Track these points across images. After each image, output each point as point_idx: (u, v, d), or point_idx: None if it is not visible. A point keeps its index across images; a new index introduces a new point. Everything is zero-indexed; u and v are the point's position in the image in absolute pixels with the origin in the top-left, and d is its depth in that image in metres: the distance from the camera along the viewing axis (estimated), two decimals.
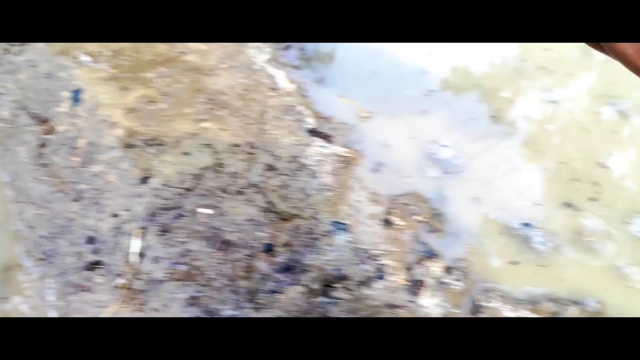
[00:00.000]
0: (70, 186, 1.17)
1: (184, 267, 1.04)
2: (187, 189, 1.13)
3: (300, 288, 1.02)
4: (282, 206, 1.09)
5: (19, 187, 1.20)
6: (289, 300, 1.01)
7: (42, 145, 1.22)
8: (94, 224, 1.12)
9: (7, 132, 1.24)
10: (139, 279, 1.05)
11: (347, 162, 1.13)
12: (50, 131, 1.22)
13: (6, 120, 1.25)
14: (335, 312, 0.95)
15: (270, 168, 1.13)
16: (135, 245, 1.09)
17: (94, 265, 1.09)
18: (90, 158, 1.20)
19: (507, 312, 0.92)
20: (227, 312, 0.99)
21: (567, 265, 0.98)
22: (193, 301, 1.01)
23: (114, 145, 1.18)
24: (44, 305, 1.07)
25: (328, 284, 1.00)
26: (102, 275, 1.07)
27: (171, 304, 1.01)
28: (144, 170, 1.17)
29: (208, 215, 1.09)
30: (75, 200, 1.16)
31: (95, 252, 1.10)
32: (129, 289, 1.05)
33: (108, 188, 1.15)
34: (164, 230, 1.09)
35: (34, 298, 1.08)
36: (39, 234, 1.14)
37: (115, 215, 1.13)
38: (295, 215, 1.08)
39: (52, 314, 1.04)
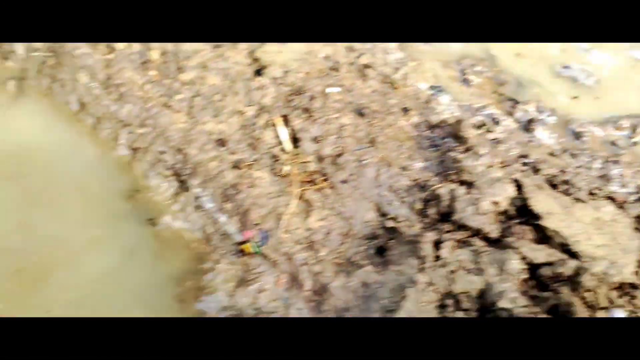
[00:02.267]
0: (164, 100, 1.17)
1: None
2: (308, 73, 1.14)
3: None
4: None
5: (96, 113, 1.19)
6: None
7: (107, 67, 1.20)
8: (216, 127, 1.12)
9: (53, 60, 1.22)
10: (306, 161, 1.07)
11: None
12: (111, 50, 1.20)
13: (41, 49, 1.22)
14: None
15: None
16: (283, 133, 1.10)
17: (242, 163, 1.09)
18: (167, 71, 1.18)
19: (597, 131, 1.07)
20: (417, 164, 1.05)
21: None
22: (381, 163, 1.05)
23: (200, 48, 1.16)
24: (205, 215, 1.08)
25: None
26: (259, 170, 1.08)
27: (359, 171, 1.05)
28: (254, 63, 1.17)
29: (337, 92, 1.11)
30: (178, 111, 1.15)
31: (233, 152, 1.10)
32: (308, 173, 1.07)
33: (215, 90, 1.14)
34: (306, 112, 1.10)
35: (185, 212, 1.09)
36: (157, 149, 1.14)
37: (241, 113, 1.13)
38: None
39: (223, 218, 1.05)
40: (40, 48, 1.16)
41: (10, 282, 0.91)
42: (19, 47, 1.17)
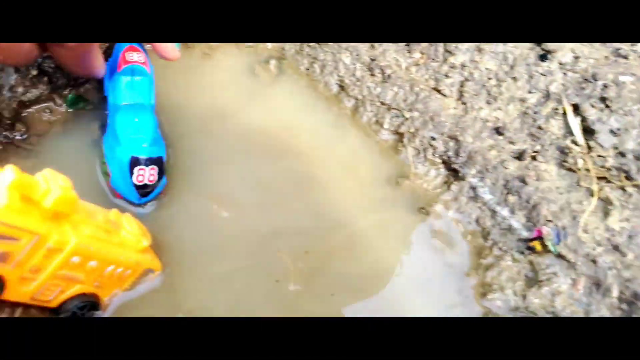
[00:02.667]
0: (432, 83, 1.11)
1: None
2: (597, 60, 1.05)
3: None
4: None
5: (358, 96, 1.15)
6: None
7: (371, 48, 1.17)
8: (492, 115, 1.05)
9: None
10: (602, 155, 0.97)
11: None
12: None
13: None
14: None
15: None
16: (574, 123, 1.00)
17: (525, 154, 1.01)
18: (435, 54, 1.13)
19: None
20: None
21: None
22: None
23: None
24: (481, 207, 1.01)
25: None
26: (544, 162, 1.00)
27: None
28: (537, 46, 1.08)
29: (631, 81, 1.00)
30: (448, 96, 1.09)
31: (513, 142, 1.03)
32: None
33: (489, 75, 1.08)
34: (602, 102, 1.00)
35: (459, 202, 1.03)
36: (426, 135, 1.08)
37: (521, 100, 1.05)
38: None
39: (504, 212, 0.98)
40: None
41: (302, 263, 0.89)
42: None
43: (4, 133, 0.96)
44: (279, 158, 1.08)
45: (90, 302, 0.79)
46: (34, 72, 0.99)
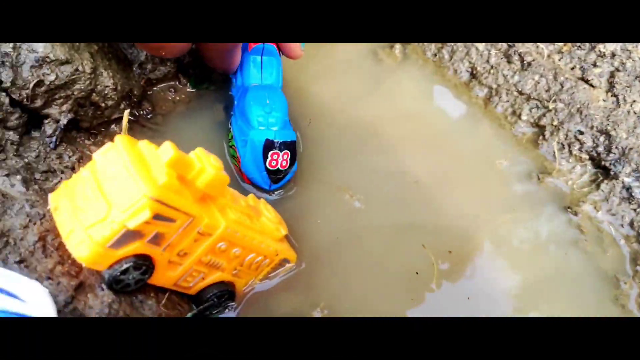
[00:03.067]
0: (578, 73, 1.02)
1: None
2: None
3: None
4: None
5: (492, 85, 1.05)
6: None
7: None
8: None
9: None
10: None
11: None
12: None
13: None
14: None
15: None
16: None
17: None
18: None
19: None
20: None
21: None
22: None
23: None
24: (637, 209, 0.91)
25: None
26: None
27: None
28: None
29: None
30: (597, 87, 0.99)
31: None
32: None
33: None
34: None
35: (610, 203, 0.93)
36: (572, 129, 0.99)
37: None
38: None
39: None
40: None
41: (445, 261, 0.81)
42: None
43: (132, 111, 0.93)
44: (407, 148, 1.01)
45: (228, 291, 0.74)
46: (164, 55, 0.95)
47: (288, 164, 0.83)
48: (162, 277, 0.65)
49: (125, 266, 0.59)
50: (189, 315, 0.70)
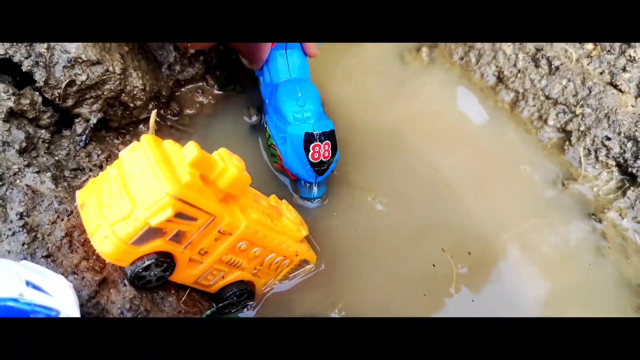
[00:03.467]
0: (607, 78, 1.00)
1: None
2: None
3: None
4: None
5: (519, 89, 1.06)
6: None
7: None
8: None
9: None
10: None
11: None
12: None
13: None
14: None
15: None
16: None
17: None
18: (611, 46, 1.02)
19: None
20: None
21: None
22: None
23: None
24: None
25: None
26: None
27: None
28: None
29: None
30: (626, 92, 0.98)
31: None
32: None
33: None
34: None
35: (636, 210, 0.91)
36: (600, 134, 0.97)
37: None
38: None
39: None
40: None
41: (463, 263, 0.81)
42: None
43: (160, 112, 0.95)
44: (432, 151, 1.01)
45: (248, 290, 0.76)
46: (192, 51, 0.97)
47: (330, 153, 0.82)
48: (183, 274, 0.67)
49: (147, 263, 0.61)
50: (208, 312, 0.71)
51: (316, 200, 0.90)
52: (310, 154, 0.80)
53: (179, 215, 0.59)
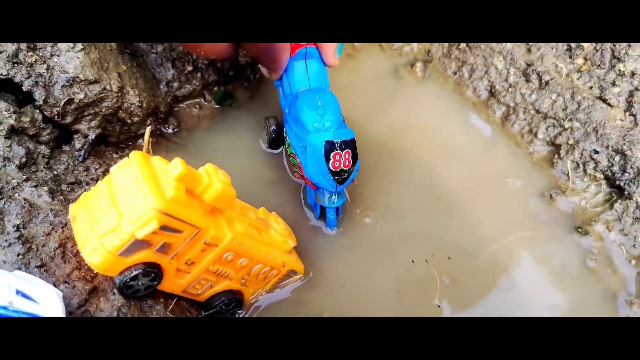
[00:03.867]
0: (596, 92, 1.01)
1: None
2: None
3: None
4: None
5: (510, 103, 1.07)
6: None
7: (527, 52, 1.09)
8: None
9: None
10: None
11: None
12: None
13: None
14: None
15: None
16: None
17: None
18: (600, 60, 1.03)
19: None
20: None
21: None
22: None
23: None
24: None
25: None
26: None
27: None
28: None
29: None
30: (614, 106, 0.99)
31: None
32: None
33: None
34: None
35: (622, 223, 0.92)
36: (588, 148, 0.99)
37: None
38: None
39: None
40: None
41: (469, 281, 0.84)
42: None
43: (158, 127, 0.99)
44: (424, 164, 1.03)
45: (236, 299, 0.79)
46: (189, 68, 1.01)
47: (351, 162, 0.80)
48: (171, 284, 0.70)
49: (134, 273, 0.64)
50: None
51: (334, 228, 0.92)
52: (330, 162, 0.78)
53: (164, 227, 0.62)
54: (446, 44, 1.16)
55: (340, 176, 0.81)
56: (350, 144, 0.80)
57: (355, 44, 1.20)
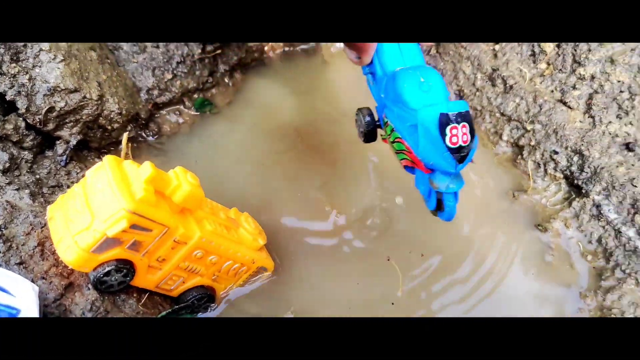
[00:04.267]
0: (557, 95, 1.06)
1: None
2: None
3: None
4: None
5: (478, 107, 1.13)
6: None
7: (493, 58, 1.13)
8: (623, 130, 0.99)
9: None
10: None
11: None
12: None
13: None
14: None
15: None
16: None
17: None
18: (562, 65, 1.08)
19: None
20: None
21: None
22: None
23: None
24: (605, 226, 0.95)
25: None
26: None
27: None
28: None
29: None
30: (574, 108, 1.03)
31: None
32: None
33: (622, 88, 1.01)
34: None
35: (580, 220, 0.97)
36: (548, 149, 1.03)
37: None
38: None
39: (630, 232, 0.91)
40: None
41: (414, 268, 0.88)
42: None
43: (139, 132, 1.04)
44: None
45: (208, 294, 0.83)
46: (169, 76, 1.06)
47: (469, 137, 0.68)
48: (144, 280, 0.75)
49: (107, 269, 0.69)
50: (164, 313, 0.79)
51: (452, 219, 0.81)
52: (447, 138, 0.67)
53: (134, 226, 0.67)
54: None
55: (459, 153, 0.68)
56: (466, 117, 0.66)
57: (331, 49, 1.25)
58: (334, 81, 1.23)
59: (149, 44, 1.06)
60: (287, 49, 1.27)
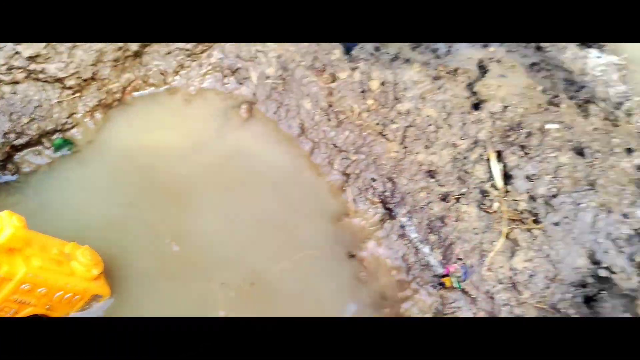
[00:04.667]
0: (379, 128, 1.20)
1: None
2: (526, 108, 1.13)
3: None
4: None
5: (315, 139, 1.26)
6: None
7: (329, 94, 1.26)
8: (428, 158, 1.13)
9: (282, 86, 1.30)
10: (517, 199, 1.05)
11: None
12: (334, 79, 1.26)
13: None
14: None
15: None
16: (496, 169, 1.08)
17: (450, 196, 1.09)
18: (385, 101, 1.23)
19: None
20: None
21: None
22: (601, 208, 0.99)
23: (420, 79, 1.19)
24: (408, 244, 1.10)
25: None
26: (466, 204, 1.07)
27: (575, 214, 1.00)
28: (472, 96, 1.18)
29: (556, 129, 1.09)
30: (392, 140, 1.18)
31: (442, 184, 1.11)
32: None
33: (429, 121, 1.16)
34: (522, 149, 1.08)
35: (389, 239, 1.12)
36: (368, 177, 1.18)
37: (454, 145, 1.13)
38: None
39: (426, 249, 1.07)
40: (272, 76, 1.25)
41: (247, 294, 1.01)
42: (254, 75, 1.28)
43: None
44: (240, 193, 1.21)
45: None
46: (25, 120, 1.16)
47: None
48: None
49: None
50: None
51: None
52: None
53: None
54: (268, 88, 1.34)
55: None
56: None
57: (190, 89, 1.37)
58: (193, 118, 1.35)
59: (7, 90, 1.16)
60: (149, 89, 1.38)
